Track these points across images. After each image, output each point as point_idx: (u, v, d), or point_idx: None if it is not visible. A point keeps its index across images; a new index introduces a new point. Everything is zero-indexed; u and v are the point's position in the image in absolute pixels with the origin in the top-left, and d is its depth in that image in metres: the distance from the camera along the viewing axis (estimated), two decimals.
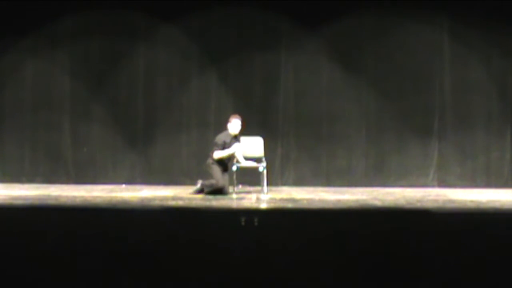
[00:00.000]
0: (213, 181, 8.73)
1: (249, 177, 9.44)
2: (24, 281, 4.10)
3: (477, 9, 10.37)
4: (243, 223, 4.94)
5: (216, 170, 8.79)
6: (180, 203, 7.75)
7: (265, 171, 8.84)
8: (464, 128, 10.52)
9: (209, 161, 8.87)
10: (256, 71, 10.61)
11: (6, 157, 10.65)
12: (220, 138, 8.84)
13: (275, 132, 10.26)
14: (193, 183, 10.35)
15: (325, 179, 10.48)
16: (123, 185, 10.26)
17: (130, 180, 10.44)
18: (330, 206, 7.75)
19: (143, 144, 10.62)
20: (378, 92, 10.56)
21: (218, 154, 8.77)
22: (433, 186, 10.40)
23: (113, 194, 8.83)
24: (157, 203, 7.74)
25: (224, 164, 8.85)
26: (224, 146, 8.76)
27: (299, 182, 10.41)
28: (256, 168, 8.95)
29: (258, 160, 9.12)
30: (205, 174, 10.50)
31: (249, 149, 9.27)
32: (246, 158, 9.11)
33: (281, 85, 10.58)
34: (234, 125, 8.88)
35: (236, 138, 8.91)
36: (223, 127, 10.44)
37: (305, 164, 10.54)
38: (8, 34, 10.59)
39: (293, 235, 4.81)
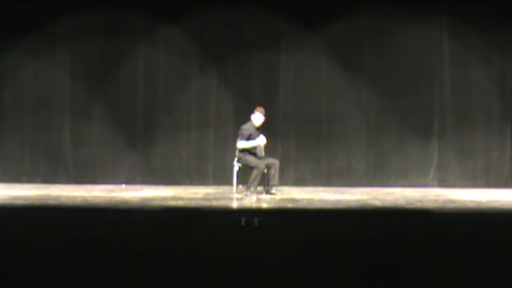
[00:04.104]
0: (253, 172, 8.63)
1: (249, 177, 9.43)
2: (24, 281, 4.10)
3: (477, 9, 10.37)
4: (243, 223, 4.94)
5: (250, 157, 8.75)
6: (180, 203, 7.74)
7: (265, 171, 8.83)
8: (464, 128, 10.52)
9: (239, 155, 8.84)
10: (256, 71, 10.61)
11: (6, 157, 10.65)
12: (246, 128, 8.80)
13: (275, 132, 10.25)
14: (193, 183, 10.41)
15: (325, 179, 10.49)
16: (123, 185, 10.26)
17: (130, 180, 10.45)
18: (330, 206, 7.75)
19: (143, 144, 10.63)
20: (378, 92, 10.57)
21: (242, 144, 8.75)
22: (433, 186, 10.40)
23: (113, 194, 8.82)
24: (157, 203, 7.74)
25: (253, 153, 8.84)
26: (249, 137, 8.76)
27: (299, 182, 10.42)
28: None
29: None
30: (204, 174, 10.56)
31: None
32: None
33: (281, 85, 10.58)
34: (258, 116, 8.87)
35: (259, 129, 8.91)
36: (223, 126, 10.51)
37: (305, 164, 10.54)
38: (8, 34, 10.59)
39: (293, 235, 4.80)
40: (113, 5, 10.58)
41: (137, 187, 10.05)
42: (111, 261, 4.33)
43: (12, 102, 10.70)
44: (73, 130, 10.64)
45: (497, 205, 7.92)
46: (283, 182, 10.32)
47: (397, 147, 10.57)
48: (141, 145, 10.64)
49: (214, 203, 7.76)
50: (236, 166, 9.01)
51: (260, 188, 8.90)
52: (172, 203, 7.73)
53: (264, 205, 7.68)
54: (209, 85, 10.68)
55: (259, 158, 8.83)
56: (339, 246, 4.59)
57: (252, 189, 8.62)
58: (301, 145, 10.53)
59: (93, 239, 4.63)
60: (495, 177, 10.48)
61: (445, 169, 10.53)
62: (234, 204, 7.90)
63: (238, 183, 9.05)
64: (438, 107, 10.55)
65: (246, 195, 8.54)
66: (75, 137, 10.63)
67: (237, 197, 8.56)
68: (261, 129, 8.96)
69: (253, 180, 8.63)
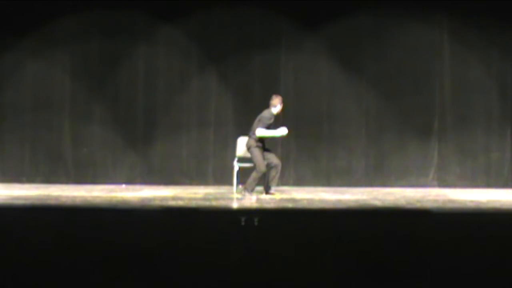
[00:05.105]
0: (253, 174, 8.56)
1: (248, 178, 9.44)
2: (24, 281, 4.10)
3: (477, 9, 10.36)
4: (243, 223, 4.94)
5: (257, 154, 8.57)
6: (180, 203, 7.74)
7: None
8: (464, 128, 10.52)
9: (251, 142, 8.64)
10: (256, 71, 10.61)
11: (6, 157, 10.65)
12: (267, 117, 8.63)
13: None
14: (193, 183, 10.41)
15: (325, 179, 10.48)
16: (123, 185, 10.26)
17: (130, 180, 10.44)
18: (330, 206, 7.74)
19: (143, 144, 10.62)
20: (378, 92, 10.56)
21: (262, 132, 8.56)
22: (433, 186, 10.40)
23: (113, 194, 8.82)
24: (157, 203, 7.74)
25: (264, 143, 8.72)
26: (268, 126, 8.71)
27: (299, 182, 10.41)
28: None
29: None
30: (204, 174, 10.57)
31: None
32: (246, 159, 9.10)
33: (281, 85, 10.57)
34: (279, 105, 8.77)
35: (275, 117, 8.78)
36: (223, 125, 10.51)
37: (305, 164, 10.54)
38: (8, 34, 10.58)
39: (293, 235, 4.80)
40: (113, 5, 10.57)
41: (137, 187, 10.05)
42: (111, 261, 4.33)
43: (12, 102, 10.69)
44: (73, 130, 10.64)
45: (497, 205, 7.92)
46: (283, 182, 10.31)
47: (397, 147, 10.56)
48: (141, 145, 10.63)
49: (214, 203, 7.76)
50: (236, 166, 9.01)
51: (260, 188, 8.89)
52: (172, 203, 7.73)
53: (264, 205, 7.68)
54: (209, 85, 10.67)
55: (266, 154, 8.69)
56: (339, 246, 4.59)
57: (250, 190, 8.57)
58: (301, 145, 10.53)
59: (93, 239, 4.63)
60: (495, 177, 10.47)
61: (445, 169, 10.53)
62: (234, 204, 7.90)
63: (238, 183, 9.05)
64: (438, 107, 10.54)
65: (244, 195, 8.52)
66: (75, 137, 10.63)
67: (237, 197, 8.56)
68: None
69: (251, 182, 8.56)
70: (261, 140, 8.67)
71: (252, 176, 8.57)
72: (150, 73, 10.66)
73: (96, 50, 10.65)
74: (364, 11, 10.49)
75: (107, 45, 10.63)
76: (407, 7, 10.45)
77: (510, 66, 10.53)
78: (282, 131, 8.69)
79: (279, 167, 8.72)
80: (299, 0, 10.47)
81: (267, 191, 8.70)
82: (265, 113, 8.69)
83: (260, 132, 8.58)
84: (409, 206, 7.65)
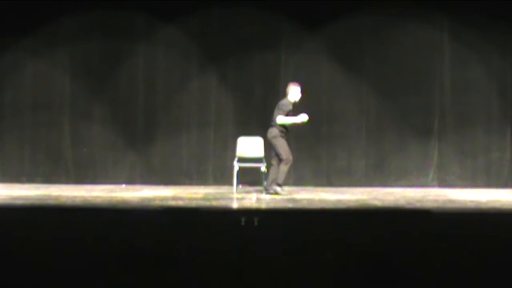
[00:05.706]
0: (282, 167, 8.53)
1: (249, 177, 9.44)
2: (24, 281, 4.09)
3: (477, 9, 10.37)
4: (243, 223, 4.94)
5: (282, 143, 8.60)
6: (180, 203, 7.74)
7: (266, 171, 8.83)
8: (464, 128, 10.52)
9: (274, 132, 8.65)
10: (256, 71, 10.61)
11: (6, 157, 10.65)
12: (286, 104, 8.67)
13: None
14: (193, 183, 10.40)
15: (325, 179, 10.49)
16: (123, 185, 10.26)
17: (130, 180, 10.44)
18: (330, 206, 7.74)
19: (143, 144, 10.63)
20: (378, 92, 10.56)
21: (282, 119, 8.59)
22: (433, 186, 10.40)
23: (113, 194, 8.82)
24: (157, 203, 7.74)
25: (287, 131, 8.73)
26: (287, 114, 8.69)
27: (299, 182, 10.41)
28: (257, 168, 8.95)
29: (258, 160, 9.13)
30: (204, 174, 10.56)
31: (249, 149, 9.27)
32: (246, 159, 9.10)
33: (281, 85, 10.55)
34: (296, 92, 8.77)
35: (293, 105, 8.80)
36: (223, 126, 10.50)
37: (305, 164, 10.53)
38: (8, 34, 10.59)
39: (293, 235, 4.80)
40: (113, 5, 10.58)
41: (137, 187, 10.06)
42: (111, 261, 4.32)
43: (12, 102, 10.70)
44: (73, 130, 10.64)
45: (497, 205, 7.92)
46: (283, 182, 10.30)
47: (397, 147, 10.57)
48: (141, 145, 10.64)
49: (214, 203, 7.76)
50: (236, 166, 9.01)
51: (260, 188, 8.89)
52: (172, 203, 7.73)
53: (264, 205, 7.68)
54: (209, 85, 10.68)
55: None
56: (339, 246, 4.59)
57: (280, 183, 8.51)
58: (301, 145, 10.52)
59: (93, 239, 4.63)
60: (495, 177, 10.47)
61: (445, 169, 10.53)
62: (234, 204, 7.90)
63: (238, 183, 9.05)
64: (438, 107, 10.55)
65: (274, 190, 8.46)
66: (75, 137, 10.63)
67: (237, 197, 8.56)
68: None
69: (281, 175, 8.53)
70: (285, 128, 8.65)
71: (281, 170, 8.54)
72: (150, 73, 10.67)
73: (96, 50, 10.65)
74: (364, 11, 10.49)
75: (107, 45, 10.64)
76: (407, 7, 10.46)
77: (510, 66, 10.53)
78: (303, 117, 8.70)
79: None
80: (299, 0, 10.47)
81: (267, 190, 8.70)
82: (283, 101, 8.74)
83: (280, 119, 8.59)
84: (409, 206, 7.64)
